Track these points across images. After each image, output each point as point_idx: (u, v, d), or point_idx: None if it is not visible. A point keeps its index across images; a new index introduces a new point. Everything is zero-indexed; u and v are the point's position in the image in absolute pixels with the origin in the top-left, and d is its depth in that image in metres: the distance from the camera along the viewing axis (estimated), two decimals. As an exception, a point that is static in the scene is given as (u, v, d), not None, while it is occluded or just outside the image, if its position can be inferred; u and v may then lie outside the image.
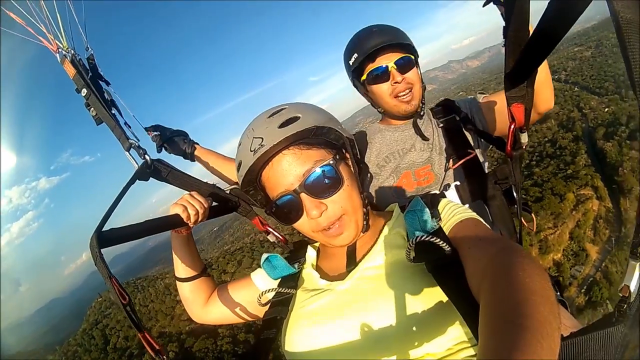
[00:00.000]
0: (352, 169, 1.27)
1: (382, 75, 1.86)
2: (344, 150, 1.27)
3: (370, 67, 1.87)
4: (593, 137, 76.95)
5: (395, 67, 1.84)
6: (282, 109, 1.20)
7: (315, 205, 1.14)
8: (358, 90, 2.06)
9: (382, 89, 1.90)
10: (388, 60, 1.84)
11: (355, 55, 1.86)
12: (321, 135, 1.20)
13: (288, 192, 1.15)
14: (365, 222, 1.26)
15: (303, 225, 1.21)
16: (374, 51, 1.80)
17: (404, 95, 1.88)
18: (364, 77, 1.92)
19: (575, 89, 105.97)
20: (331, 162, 1.16)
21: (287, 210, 1.20)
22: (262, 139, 1.13)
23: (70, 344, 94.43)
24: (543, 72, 1.60)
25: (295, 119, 1.15)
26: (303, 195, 1.14)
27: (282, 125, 1.13)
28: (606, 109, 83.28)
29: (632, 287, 0.77)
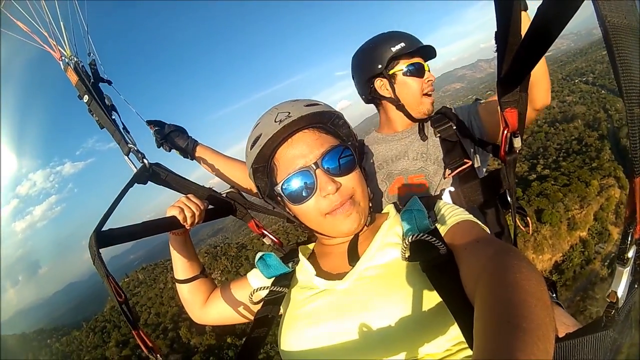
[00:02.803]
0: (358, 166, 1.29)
1: (420, 71, 1.93)
2: (356, 150, 1.31)
3: (410, 61, 1.93)
4: (617, 135, 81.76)
5: (429, 69, 1.97)
6: (308, 99, 1.27)
7: (330, 180, 1.15)
8: (376, 83, 2.00)
9: (416, 84, 1.94)
10: (423, 61, 1.96)
11: (403, 44, 1.89)
12: (337, 126, 1.28)
13: (304, 168, 1.17)
14: (369, 216, 1.29)
15: (309, 206, 1.19)
16: (418, 48, 1.89)
17: (430, 95, 1.97)
18: (399, 69, 1.93)
19: (602, 91, 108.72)
20: (349, 145, 1.25)
21: (299, 187, 1.19)
22: (289, 112, 1.17)
23: (98, 320, 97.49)
24: (541, 68, 1.60)
25: (318, 103, 1.24)
26: (319, 172, 1.16)
27: (308, 105, 1.20)
28: None
29: (620, 293, 0.78)
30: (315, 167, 1.16)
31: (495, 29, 1.15)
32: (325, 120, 1.24)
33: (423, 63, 1.94)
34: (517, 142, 1.43)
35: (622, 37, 0.67)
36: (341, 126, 1.28)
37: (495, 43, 1.17)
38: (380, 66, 1.95)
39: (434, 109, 2.00)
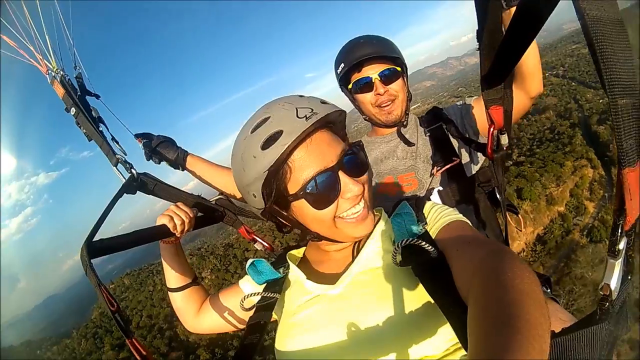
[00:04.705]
0: None
1: (366, 85, 1.93)
2: None
3: (356, 76, 1.94)
4: (588, 122, 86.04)
5: (379, 79, 1.90)
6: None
7: (354, 182, 1.08)
8: (347, 97, 2.14)
9: (366, 99, 1.96)
10: (373, 71, 1.90)
11: (342, 64, 1.93)
12: (340, 128, 1.21)
13: (327, 169, 1.06)
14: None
15: (331, 210, 1.09)
16: (360, 62, 1.86)
17: (385, 106, 1.94)
18: (350, 86, 1.99)
19: (573, 83, 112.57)
20: (359, 146, 1.18)
21: (325, 189, 1.08)
22: (312, 109, 1.05)
23: (89, 326, 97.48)
24: (535, 59, 1.59)
25: (327, 102, 1.12)
26: (341, 173, 1.08)
27: (323, 103, 1.09)
28: (601, 100, 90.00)
29: (613, 285, 0.78)
30: (337, 168, 1.07)
31: (477, 28, 1.17)
32: (339, 115, 1.15)
33: (371, 76, 1.89)
34: (504, 139, 1.43)
35: (601, 29, 0.66)
36: (342, 129, 1.22)
37: (478, 42, 1.18)
38: (339, 86, 2.07)
39: (399, 116, 1.98)
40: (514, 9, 1.15)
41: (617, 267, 0.78)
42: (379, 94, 1.92)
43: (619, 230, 0.76)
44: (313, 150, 1.07)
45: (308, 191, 1.07)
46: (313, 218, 1.13)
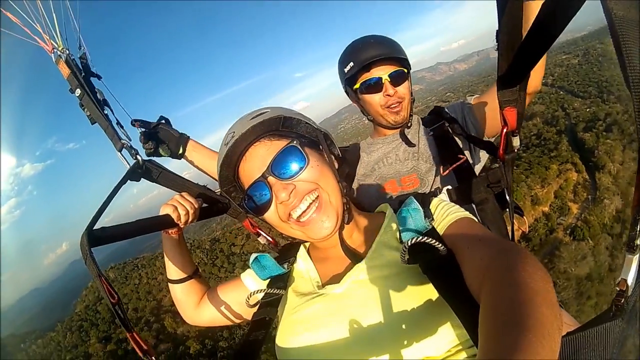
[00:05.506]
0: (326, 159, 1.25)
1: (375, 86, 1.91)
2: (318, 144, 1.27)
3: (365, 77, 1.92)
4: (574, 130, 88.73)
5: (389, 80, 1.89)
6: (259, 109, 1.23)
7: (283, 186, 1.12)
8: (349, 97, 2.12)
9: (374, 99, 1.95)
10: (382, 72, 1.89)
11: (352, 64, 1.91)
12: (290, 127, 1.22)
13: (257, 180, 1.15)
14: (346, 213, 1.22)
15: (274, 215, 1.17)
16: (370, 62, 1.85)
17: (394, 107, 1.93)
18: (357, 86, 1.96)
19: (561, 92, 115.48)
20: (294, 143, 1.17)
21: (257, 199, 1.17)
22: (233, 132, 1.16)
23: (74, 319, 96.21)
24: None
25: (264, 112, 1.18)
26: (271, 179, 1.13)
27: (253, 118, 1.16)
28: (588, 109, 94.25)
29: (630, 280, 0.77)
30: (266, 175, 1.13)
31: (497, 28, 1.15)
32: (274, 126, 1.19)
33: (381, 76, 1.89)
34: (516, 141, 1.44)
35: (627, 29, 0.67)
36: (296, 125, 1.23)
37: (496, 41, 1.17)
38: (344, 85, 2.04)
39: (405, 117, 1.98)
40: (534, 2, 1.24)
41: (635, 262, 0.77)
42: (388, 95, 1.92)
43: (639, 225, 0.75)
44: (247, 165, 1.19)
45: (246, 203, 1.21)
46: (270, 224, 1.24)
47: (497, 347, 0.59)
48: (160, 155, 1.92)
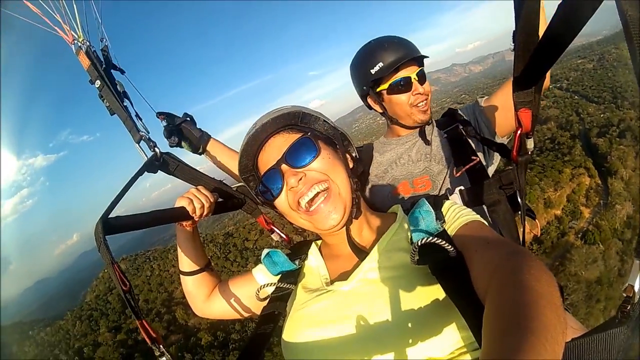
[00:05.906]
0: (340, 155, 1.29)
1: (405, 85, 1.94)
2: (334, 141, 1.33)
3: (394, 77, 1.94)
4: (588, 135, 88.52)
5: (417, 79, 1.93)
6: (282, 106, 1.31)
7: (293, 173, 1.18)
8: (369, 98, 2.10)
9: (402, 99, 1.96)
10: (410, 72, 1.93)
11: (381, 64, 1.91)
12: (309, 122, 1.30)
13: (271, 167, 1.22)
14: (355, 208, 1.25)
15: (284, 203, 1.23)
16: (402, 63, 1.88)
17: (422, 104, 1.97)
18: (384, 87, 1.97)
19: (575, 97, 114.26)
20: (308, 134, 1.24)
21: (270, 185, 1.24)
22: (256, 123, 1.26)
23: (84, 308, 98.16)
24: None
25: (286, 108, 1.27)
26: (284, 167, 1.20)
27: (274, 113, 1.25)
28: (602, 115, 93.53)
29: (637, 287, 0.76)
30: (280, 163, 1.20)
31: (513, 29, 1.13)
32: (293, 120, 1.27)
33: (410, 76, 1.92)
34: (530, 143, 1.43)
35: None
36: (313, 121, 1.30)
37: (513, 42, 1.16)
38: (365, 87, 2.02)
39: (430, 116, 2.01)
40: (551, 3, 1.20)
41: None
42: (419, 94, 1.95)
43: None
44: (265, 155, 1.27)
45: (260, 189, 1.28)
46: (280, 211, 1.30)
47: (499, 348, 0.60)
48: (182, 147, 1.95)
